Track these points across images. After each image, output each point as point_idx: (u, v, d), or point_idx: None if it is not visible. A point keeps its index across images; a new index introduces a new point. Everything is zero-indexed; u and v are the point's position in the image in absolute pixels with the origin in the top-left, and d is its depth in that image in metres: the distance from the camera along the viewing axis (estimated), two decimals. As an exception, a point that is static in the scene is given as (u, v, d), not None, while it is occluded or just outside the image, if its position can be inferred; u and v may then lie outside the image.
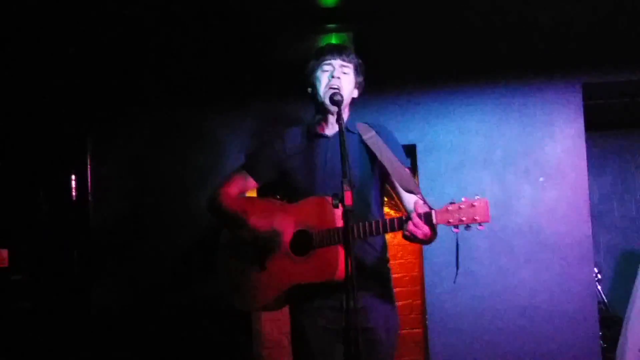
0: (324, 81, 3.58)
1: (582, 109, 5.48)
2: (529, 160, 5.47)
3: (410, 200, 3.54)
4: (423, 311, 5.60)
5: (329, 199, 3.30)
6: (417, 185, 3.46)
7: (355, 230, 3.30)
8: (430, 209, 3.23)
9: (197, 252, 5.48)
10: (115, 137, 5.69)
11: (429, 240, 3.30)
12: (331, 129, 3.67)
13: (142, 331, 5.42)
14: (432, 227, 3.24)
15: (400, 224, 3.27)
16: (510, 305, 5.36)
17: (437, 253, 5.26)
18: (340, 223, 3.30)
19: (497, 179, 5.48)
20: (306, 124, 3.79)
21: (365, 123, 3.70)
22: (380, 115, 5.45)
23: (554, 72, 5.52)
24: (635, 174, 7.72)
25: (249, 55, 5.55)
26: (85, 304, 5.45)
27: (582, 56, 5.50)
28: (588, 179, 5.48)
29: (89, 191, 5.55)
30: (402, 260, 7.43)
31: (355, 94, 3.70)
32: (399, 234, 3.32)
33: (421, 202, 3.30)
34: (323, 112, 3.65)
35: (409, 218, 3.23)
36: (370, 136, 3.61)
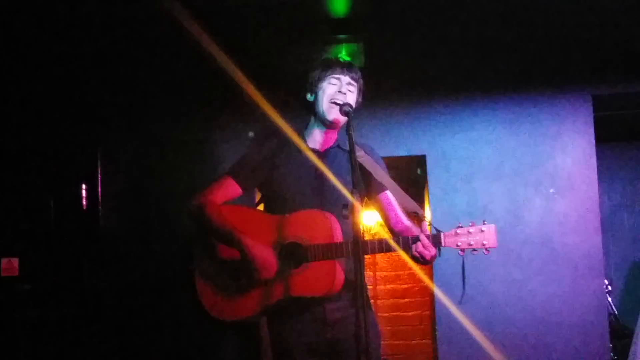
0: (328, 93, 3.53)
1: (592, 121, 5.49)
2: (539, 171, 5.47)
3: (402, 219, 3.55)
4: (432, 322, 5.60)
5: (327, 214, 3.33)
6: (418, 206, 3.47)
7: (365, 247, 3.28)
8: (438, 231, 3.24)
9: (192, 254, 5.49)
10: (125, 147, 5.71)
11: (432, 261, 3.29)
12: (324, 143, 3.62)
13: (152, 339, 5.43)
14: (438, 249, 3.25)
15: (407, 243, 3.27)
16: (521, 316, 5.36)
17: (447, 264, 5.23)
18: (337, 239, 3.30)
19: (507, 190, 5.48)
20: (296, 134, 3.68)
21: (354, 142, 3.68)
22: (390, 126, 5.46)
23: (564, 84, 5.53)
24: (646, 185, 7.71)
25: (257, 66, 5.55)
26: (95, 312, 5.46)
27: (591, 68, 5.51)
28: (598, 190, 5.48)
29: (99, 201, 5.57)
30: (411, 271, 7.41)
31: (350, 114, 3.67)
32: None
33: (426, 224, 3.32)
34: (320, 124, 3.61)
35: (417, 239, 3.23)
36: (361, 154, 3.58)
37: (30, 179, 5.48)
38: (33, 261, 5.40)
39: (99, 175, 5.57)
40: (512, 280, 5.36)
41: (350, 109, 3.39)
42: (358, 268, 3.01)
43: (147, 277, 5.52)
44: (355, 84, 3.59)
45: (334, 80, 3.56)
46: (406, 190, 3.54)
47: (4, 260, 5.36)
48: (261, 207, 3.78)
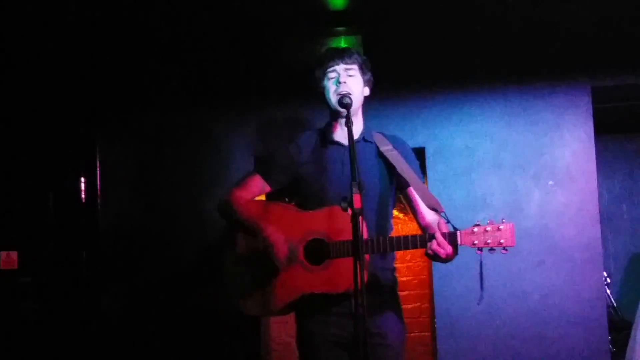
0: (331, 89, 3.55)
1: (591, 112, 5.47)
2: (538, 163, 5.46)
3: (425, 215, 3.57)
4: (431, 314, 5.60)
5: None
6: (439, 203, 3.46)
7: (379, 245, 3.33)
8: (455, 229, 3.23)
9: (205, 255, 5.49)
10: (124, 140, 5.72)
11: (449, 259, 3.30)
12: (347, 135, 3.65)
13: (150, 334, 5.43)
14: (455, 247, 3.25)
15: (423, 241, 3.27)
16: (519, 309, 5.35)
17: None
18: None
19: (506, 182, 5.47)
20: (321, 130, 3.75)
21: (381, 133, 3.69)
22: (389, 119, 5.46)
23: (563, 76, 5.51)
24: (645, 177, 7.71)
25: (258, 58, 5.55)
26: (94, 306, 5.46)
27: (591, 59, 5.49)
28: (597, 183, 5.47)
29: (98, 194, 5.57)
30: (410, 264, 7.42)
31: (367, 91, 3.67)
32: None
33: (444, 221, 3.30)
34: (337, 118, 3.63)
35: (433, 237, 3.23)
36: (387, 149, 3.59)
37: (29, 172, 5.48)
38: (32, 254, 5.41)
39: (98, 169, 5.57)
40: (510, 273, 5.35)
41: (349, 100, 3.40)
42: (357, 259, 2.99)
43: (146, 270, 5.52)
44: (353, 66, 3.60)
45: (331, 74, 3.58)
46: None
47: (3, 254, 5.38)
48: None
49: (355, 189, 3.00)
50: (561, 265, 5.36)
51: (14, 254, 5.37)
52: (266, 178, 3.71)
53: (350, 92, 3.48)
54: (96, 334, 5.40)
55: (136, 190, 5.66)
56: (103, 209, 5.59)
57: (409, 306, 7.53)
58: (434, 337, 5.76)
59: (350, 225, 3.22)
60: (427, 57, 5.51)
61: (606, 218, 7.27)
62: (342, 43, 5.21)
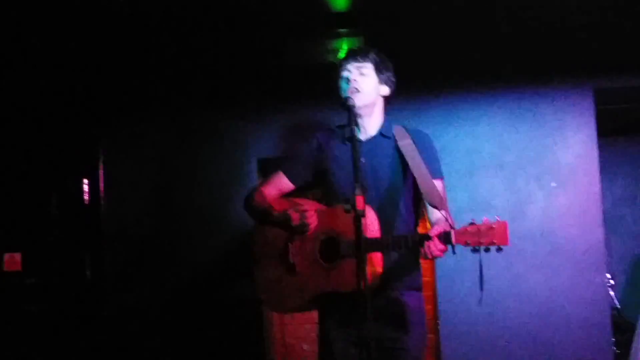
0: (342, 87, 3.64)
1: (594, 114, 5.46)
2: (541, 165, 5.45)
3: (433, 213, 3.58)
4: (435, 316, 5.59)
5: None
6: (443, 200, 3.45)
7: (379, 245, 3.35)
8: (451, 227, 3.23)
9: (208, 256, 5.50)
10: (127, 141, 5.72)
11: (439, 256, 3.33)
12: (364, 133, 3.69)
13: (153, 334, 5.43)
14: (452, 246, 3.25)
15: (419, 241, 3.30)
16: (523, 311, 5.34)
17: (449, 258, 5.21)
18: (370, 234, 3.31)
19: (509, 184, 5.46)
20: (339, 126, 3.80)
21: (403, 127, 3.70)
22: (391, 120, 5.46)
23: (565, 77, 5.50)
24: (648, 179, 7.70)
25: (262, 60, 5.56)
26: (98, 307, 5.47)
27: (593, 61, 5.48)
28: (600, 184, 5.46)
29: (101, 195, 5.57)
30: (413, 266, 7.40)
31: (386, 91, 3.71)
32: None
33: (442, 219, 3.31)
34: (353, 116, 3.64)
35: (428, 237, 3.23)
36: (405, 143, 3.61)
37: (32, 173, 5.49)
38: (36, 256, 5.41)
39: (101, 170, 5.57)
40: (514, 275, 5.34)
41: (352, 102, 3.43)
42: (360, 262, 3.00)
43: (149, 271, 5.52)
44: (365, 64, 3.65)
45: (344, 73, 3.67)
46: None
47: (7, 255, 5.38)
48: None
49: (357, 191, 3.00)
50: (564, 267, 5.35)
51: (17, 256, 5.37)
52: (289, 175, 3.79)
53: (359, 90, 3.51)
54: (100, 334, 5.40)
55: (139, 192, 5.66)
56: (106, 210, 5.59)
57: (412, 308, 7.53)
58: (437, 339, 5.75)
59: (363, 223, 3.24)
60: (429, 58, 5.50)
61: (609, 220, 7.24)
62: (345, 44, 5.22)
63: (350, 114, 3.40)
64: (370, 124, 3.65)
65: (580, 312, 5.31)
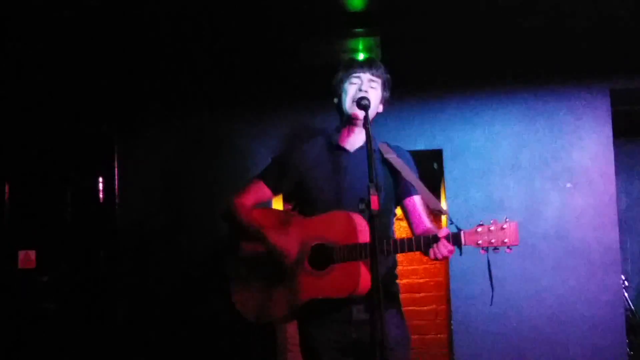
0: (350, 93, 3.56)
1: (610, 115, 5.45)
2: (557, 166, 5.44)
3: (425, 222, 3.55)
4: (448, 316, 5.59)
5: (353, 214, 3.34)
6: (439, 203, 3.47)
7: (388, 246, 3.30)
8: (459, 229, 3.23)
9: (223, 257, 5.50)
10: (142, 140, 5.73)
11: (448, 257, 3.30)
12: (353, 143, 3.63)
13: (167, 333, 5.44)
14: (460, 247, 3.24)
15: (427, 243, 3.25)
16: (537, 311, 5.34)
17: (463, 258, 5.19)
18: (362, 239, 3.29)
19: (524, 184, 5.45)
20: (327, 135, 3.74)
21: (385, 143, 3.67)
22: (407, 120, 5.47)
23: (581, 78, 5.50)
24: (663, 180, 7.67)
25: (278, 60, 5.56)
26: (112, 305, 5.48)
27: (609, 62, 5.47)
28: (616, 186, 5.45)
29: (116, 193, 5.59)
30: (427, 266, 7.42)
31: (380, 109, 3.67)
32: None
33: (433, 229, 3.36)
34: (347, 124, 3.62)
35: (437, 238, 3.22)
36: (392, 157, 3.59)
37: (47, 171, 5.51)
38: (50, 253, 5.43)
39: (116, 168, 5.59)
40: (528, 275, 5.34)
41: (367, 102, 3.37)
42: (374, 266, 2.99)
43: (164, 270, 5.53)
44: (377, 79, 3.60)
45: (354, 80, 3.58)
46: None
47: (22, 253, 5.40)
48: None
49: (372, 190, 2.99)
50: (579, 268, 5.35)
51: (32, 253, 5.39)
52: (268, 184, 3.72)
53: (367, 98, 3.46)
54: (114, 332, 5.42)
55: (154, 190, 5.68)
56: (121, 209, 5.60)
57: (426, 308, 7.53)
58: (450, 339, 5.74)
59: (356, 229, 3.31)
60: (445, 58, 5.50)
61: (624, 221, 7.24)
62: (361, 44, 5.21)
63: (366, 114, 3.35)
64: (359, 135, 3.61)
65: (594, 313, 5.31)
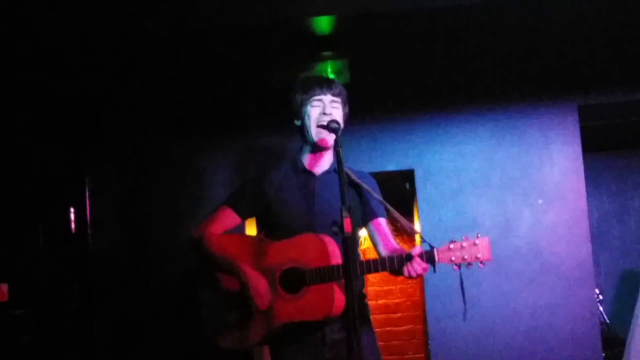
0: (313, 117, 3.52)
1: (578, 131, 5.50)
2: (527, 182, 5.48)
3: (391, 244, 3.56)
4: (425, 336, 5.59)
5: (323, 236, 3.34)
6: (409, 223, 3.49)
7: (362, 267, 3.31)
8: (432, 247, 3.24)
9: (194, 286, 5.48)
10: (112, 170, 5.71)
11: (422, 275, 3.30)
12: (320, 166, 3.62)
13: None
14: (433, 264, 3.24)
15: (400, 262, 3.26)
16: (512, 328, 5.35)
17: (438, 277, 5.22)
18: (335, 261, 3.29)
19: (496, 202, 5.48)
20: (292, 159, 3.71)
21: (349, 168, 3.65)
22: (378, 141, 5.48)
23: (549, 95, 5.54)
24: (633, 194, 7.73)
25: (245, 85, 5.57)
26: (86, 337, 5.44)
27: (577, 78, 5.53)
28: (587, 200, 5.48)
29: (88, 224, 5.55)
30: (402, 285, 7.42)
31: (342, 126, 3.66)
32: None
33: (399, 249, 3.40)
34: (313, 148, 3.60)
35: (410, 257, 3.23)
36: (358, 180, 3.58)
37: (18, 203, 5.46)
38: (23, 286, 5.37)
39: (87, 199, 5.56)
40: (503, 292, 5.35)
41: (337, 125, 3.34)
42: (349, 288, 2.99)
43: (137, 300, 5.50)
44: (338, 99, 3.57)
45: (316, 103, 3.55)
46: (396, 206, 3.54)
47: (-6, 286, 5.34)
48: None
49: (345, 213, 3.00)
50: (553, 283, 5.37)
51: (4, 286, 5.33)
52: (236, 210, 3.66)
53: (337, 121, 3.44)
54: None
55: (126, 220, 5.65)
56: (93, 239, 5.57)
57: (402, 328, 7.52)
58: (428, 359, 5.74)
59: (327, 251, 3.30)
60: (414, 79, 5.54)
61: (597, 235, 7.30)
62: (329, 67, 5.23)
63: (337, 138, 3.33)
64: (326, 158, 3.61)
65: (570, 328, 5.33)
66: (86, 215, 5.54)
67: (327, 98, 3.54)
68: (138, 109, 5.66)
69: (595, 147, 6.87)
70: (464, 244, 3.19)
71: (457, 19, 4.92)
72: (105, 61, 5.11)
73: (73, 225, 5.53)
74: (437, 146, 5.56)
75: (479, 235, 3.20)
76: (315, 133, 3.51)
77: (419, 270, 3.22)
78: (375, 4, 4.63)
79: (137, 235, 5.61)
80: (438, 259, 3.22)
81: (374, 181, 3.71)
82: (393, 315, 7.52)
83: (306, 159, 3.65)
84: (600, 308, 6.62)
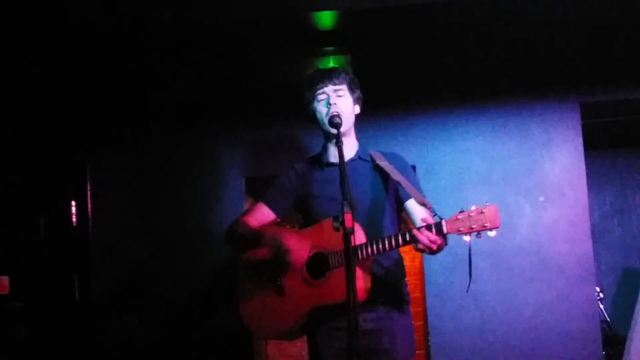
0: (322, 111, 3.60)
1: (580, 128, 5.49)
2: (529, 180, 5.46)
3: (417, 220, 3.57)
4: (425, 332, 5.58)
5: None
6: (426, 199, 3.47)
7: (365, 250, 3.32)
8: (441, 219, 3.23)
9: (196, 278, 5.48)
10: (114, 163, 5.70)
11: (440, 249, 3.29)
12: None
13: (144, 355, 5.40)
14: (444, 237, 3.24)
15: (411, 237, 3.26)
16: (513, 325, 5.34)
17: (439, 274, 5.25)
18: (356, 242, 3.30)
19: (497, 199, 5.37)
20: (318, 153, 3.82)
21: (379, 152, 3.72)
22: (379, 138, 5.47)
23: (551, 92, 5.53)
24: (635, 191, 7.73)
25: (249, 80, 5.57)
26: (86, 330, 5.43)
27: (579, 75, 5.52)
28: (588, 198, 5.48)
29: (89, 217, 5.55)
30: (403, 282, 7.40)
31: (357, 109, 3.72)
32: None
33: (429, 215, 3.32)
34: (330, 140, 3.68)
35: (419, 229, 3.23)
36: (385, 164, 3.62)
37: (19, 196, 5.46)
38: (23, 279, 5.37)
39: (89, 192, 5.55)
40: (503, 289, 5.35)
41: (339, 120, 3.42)
42: (349, 277, 3.00)
43: (138, 293, 5.50)
44: (341, 86, 3.63)
45: (321, 96, 3.63)
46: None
47: (-6, 279, 5.34)
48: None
49: (346, 209, 3.01)
50: (554, 281, 5.36)
51: (5, 279, 5.33)
52: (270, 205, 3.79)
53: (341, 113, 3.51)
54: (89, 357, 5.37)
55: (127, 213, 5.65)
56: (94, 233, 5.56)
57: (403, 324, 7.51)
58: (428, 356, 5.74)
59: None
60: (416, 75, 5.53)
61: (598, 233, 7.29)
62: (331, 63, 5.23)
63: (338, 133, 3.39)
64: (348, 146, 3.64)
65: (570, 326, 5.32)
66: (87, 208, 5.54)
67: (330, 89, 3.61)
68: (139, 101, 5.66)
69: (597, 144, 6.85)
70: (472, 214, 3.17)
71: (459, 15, 4.91)
72: (108, 53, 5.10)
73: (74, 218, 5.52)
74: (439, 143, 5.55)
75: (487, 203, 3.18)
76: (328, 127, 3.57)
77: (426, 242, 3.18)
78: (377, -1, 4.64)
79: (138, 228, 5.61)
80: (446, 229, 3.20)
81: (403, 162, 3.76)
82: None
83: (329, 150, 3.73)
84: (601, 306, 6.61)
